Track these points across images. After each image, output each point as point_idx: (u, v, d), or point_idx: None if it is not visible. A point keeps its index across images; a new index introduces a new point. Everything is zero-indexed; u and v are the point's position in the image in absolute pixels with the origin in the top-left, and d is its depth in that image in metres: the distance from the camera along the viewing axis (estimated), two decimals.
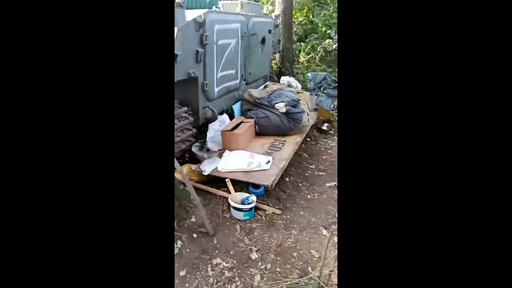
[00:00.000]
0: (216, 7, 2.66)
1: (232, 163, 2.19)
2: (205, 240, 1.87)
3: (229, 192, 2.12)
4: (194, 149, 2.43)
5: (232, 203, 2.04)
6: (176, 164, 1.86)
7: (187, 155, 2.47)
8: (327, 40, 4.87)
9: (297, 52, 5.22)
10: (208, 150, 2.47)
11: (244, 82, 3.10)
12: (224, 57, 2.51)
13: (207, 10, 2.18)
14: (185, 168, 2.33)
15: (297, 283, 1.42)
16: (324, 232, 1.97)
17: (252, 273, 1.64)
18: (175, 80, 1.96)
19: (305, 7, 5.37)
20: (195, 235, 1.89)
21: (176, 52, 1.90)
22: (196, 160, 2.42)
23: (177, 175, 2.22)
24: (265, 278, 1.61)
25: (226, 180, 2.05)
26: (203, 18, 2.03)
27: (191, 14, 2.06)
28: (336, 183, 2.53)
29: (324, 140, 3.42)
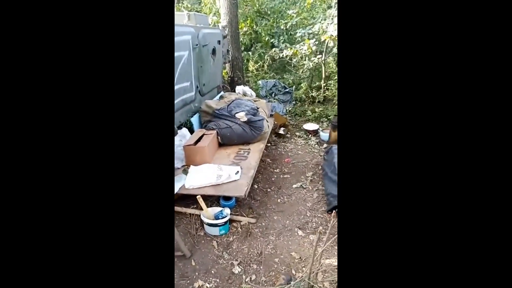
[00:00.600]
0: None
1: (200, 178, 2.11)
2: (183, 263, 1.76)
3: (200, 209, 2.04)
4: None
5: (206, 220, 1.96)
6: None
7: None
8: (273, 49, 5.11)
9: (245, 61, 5.35)
10: None
11: (199, 93, 3.04)
12: (178, 70, 2.42)
13: None
14: None
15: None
16: (300, 232, 2.04)
17: None
18: None
19: (249, 18, 5.56)
20: None
21: None
22: None
23: None
24: None
25: (197, 197, 1.96)
26: None
27: None
28: (301, 183, 2.65)
29: (283, 143, 3.57)
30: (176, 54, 2.35)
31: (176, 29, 2.40)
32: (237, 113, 2.63)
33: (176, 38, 2.36)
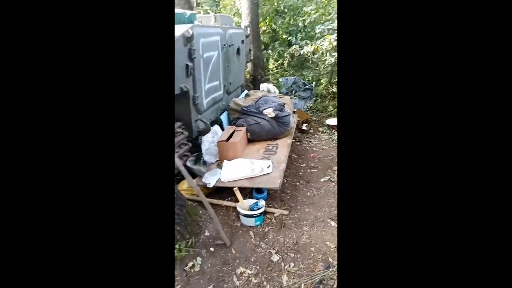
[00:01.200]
0: (197, 21, 2.68)
1: (234, 171, 2.21)
2: (224, 251, 1.86)
3: (236, 201, 2.14)
4: (189, 163, 2.39)
5: (242, 211, 2.05)
6: (191, 180, 1.83)
7: None
8: (294, 46, 5.15)
9: (265, 59, 5.44)
10: (204, 162, 2.46)
11: (226, 92, 3.15)
12: (209, 69, 2.54)
13: (192, 24, 2.20)
14: (184, 184, 2.28)
15: (329, 274, 1.50)
16: (333, 223, 2.09)
17: (278, 275, 1.68)
18: None
19: (267, 17, 5.63)
20: (212, 249, 1.86)
21: None
22: (193, 175, 2.38)
23: (184, 192, 2.17)
24: (292, 277, 1.66)
25: (234, 189, 2.06)
26: (191, 33, 2.05)
27: (176, 30, 2.07)
28: (329, 177, 2.69)
29: (307, 139, 3.61)
30: (207, 54, 2.46)
31: (207, 30, 2.52)
32: (265, 109, 2.71)
33: (208, 39, 2.47)
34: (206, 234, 1.96)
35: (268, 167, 2.28)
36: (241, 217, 2.10)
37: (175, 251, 1.69)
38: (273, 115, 2.69)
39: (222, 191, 2.33)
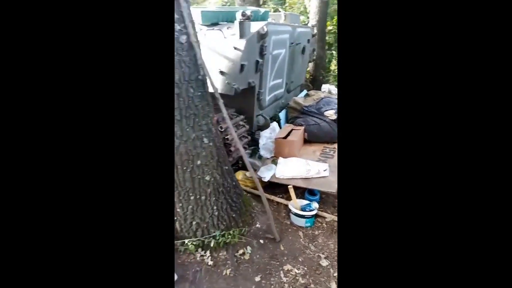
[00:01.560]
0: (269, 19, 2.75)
1: (290, 170, 2.22)
2: (272, 246, 1.89)
3: (287, 199, 2.14)
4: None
5: (294, 210, 2.05)
6: (252, 172, 1.89)
7: (240, 162, 2.52)
8: None
9: (327, 60, 5.29)
10: (260, 157, 2.52)
11: (287, 91, 3.16)
12: (275, 67, 2.58)
13: (267, 22, 2.26)
14: (240, 174, 2.38)
15: None
16: None
17: (327, 280, 1.64)
18: (240, 89, 2.03)
19: (334, 16, 5.45)
20: (262, 241, 1.91)
21: (243, 62, 1.97)
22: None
23: (241, 183, 2.27)
24: None
25: (289, 186, 2.07)
26: (265, 30, 2.11)
27: (252, 26, 2.14)
28: None
29: None
30: (276, 51, 2.50)
31: (279, 28, 2.55)
32: (326, 110, 2.65)
33: (278, 37, 2.50)
34: (257, 225, 2.02)
35: (324, 170, 2.23)
36: (292, 216, 2.09)
37: (229, 236, 1.78)
38: (334, 117, 2.61)
39: (274, 187, 2.36)
